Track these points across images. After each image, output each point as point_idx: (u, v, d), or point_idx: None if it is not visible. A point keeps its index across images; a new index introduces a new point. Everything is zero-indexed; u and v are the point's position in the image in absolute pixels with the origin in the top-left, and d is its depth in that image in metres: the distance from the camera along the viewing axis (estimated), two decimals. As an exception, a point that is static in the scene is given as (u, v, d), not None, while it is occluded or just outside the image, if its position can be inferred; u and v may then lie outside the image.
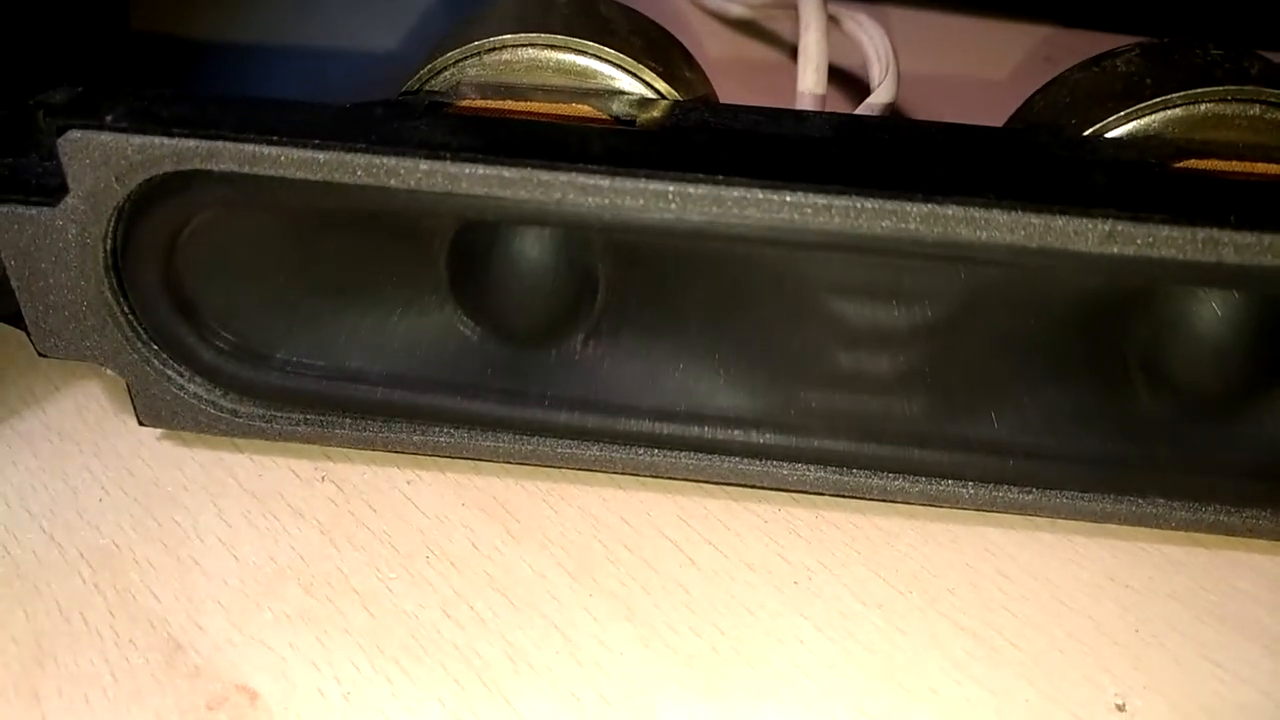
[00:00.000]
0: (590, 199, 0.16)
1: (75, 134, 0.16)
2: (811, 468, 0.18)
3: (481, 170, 0.15)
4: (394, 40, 0.33)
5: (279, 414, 0.18)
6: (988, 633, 0.17)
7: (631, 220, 0.16)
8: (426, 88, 0.19)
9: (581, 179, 0.15)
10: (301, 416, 0.18)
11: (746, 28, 0.35)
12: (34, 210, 0.16)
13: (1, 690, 0.16)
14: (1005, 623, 0.17)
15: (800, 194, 0.15)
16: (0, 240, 0.16)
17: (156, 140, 0.16)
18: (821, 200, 0.15)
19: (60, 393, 0.20)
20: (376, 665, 0.16)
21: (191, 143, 0.16)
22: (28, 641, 0.16)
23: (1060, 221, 0.15)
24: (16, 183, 0.16)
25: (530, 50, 0.19)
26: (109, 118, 0.16)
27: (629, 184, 0.15)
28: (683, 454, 0.18)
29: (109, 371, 0.18)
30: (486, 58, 0.19)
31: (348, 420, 0.18)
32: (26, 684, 0.16)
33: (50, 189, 0.16)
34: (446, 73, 0.19)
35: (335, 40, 0.34)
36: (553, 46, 0.19)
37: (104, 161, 0.16)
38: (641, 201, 0.15)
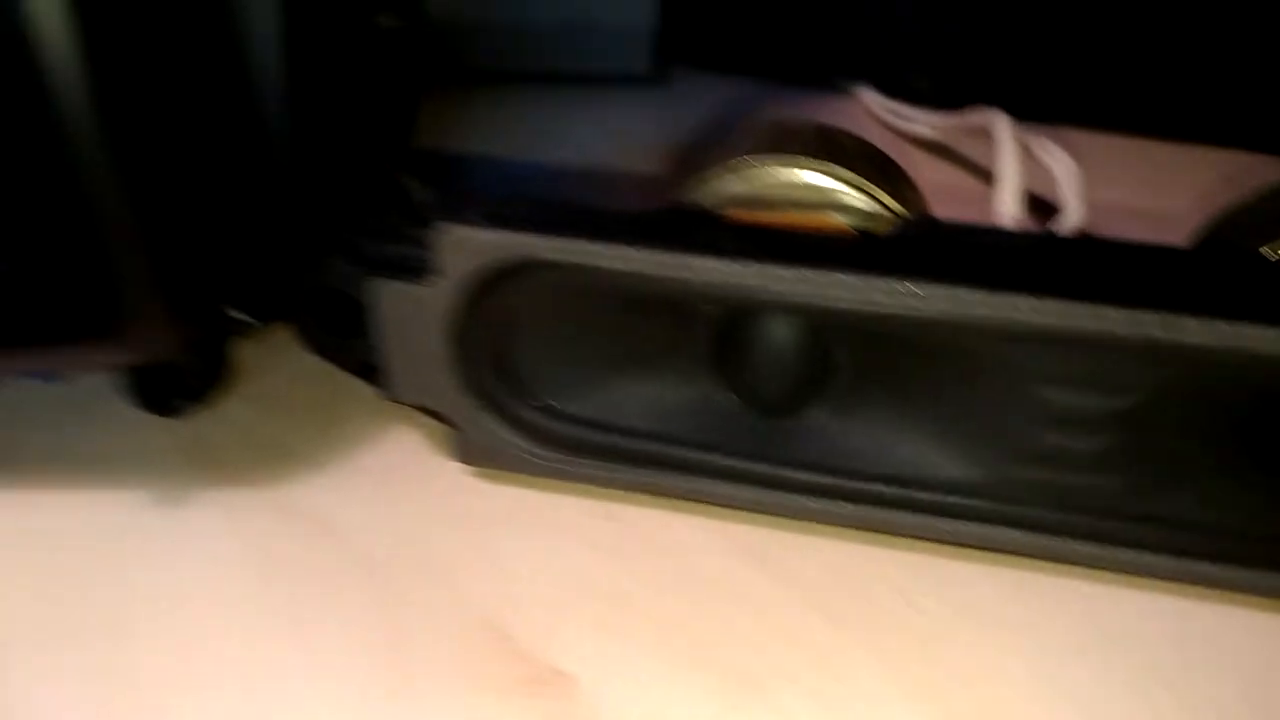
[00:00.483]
0: (847, 294, 0.19)
1: (446, 227, 0.20)
2: (1019, 532, 0.20)
3: (760, 268, 0.19)
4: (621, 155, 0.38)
5: (573, 458, 0.22)
6: (1188, 694, 0.19)
7: (879, 314, 0.19)
8: (693, 197, 0.23)
9: (840, 277, 0.19)
10: (590, 462, 0.22)
11: (933, 148, 0.38)
12: (411, 287, 0.20)
13: (369, 669, 0.19)
14: (1200, 686, 0.19)
15: (1020, 297, 0.18)
16: (381, 307, 0.21)
17: (508, 235, 0.20)
18: (1039, 303, 0.18)
19: (388, 435, 0.24)
20: (662, 661, 0.19)
21: (534, 238, 0.20)
22: (385, 634, 0.20)
23: (1245, 329, 0.17)
24: (393, 265, 0.21)
25: (781, 170, 0.23)
26: (469, 215, 0.20)
27: (879, 283, 0.19)
28: (906, 513, 0.21)
29: (433, 419, 0.22)
30: (745, 174, 0.23)
31: (626, 467, 0.22)
32: (388, 668, 0.19)
33: (412, 269, 0.20)
34: (710, 185, 0.23)
35: (566, 154, 0.39)
36: (799, 167, 0.23)
37: (465, 249, 0.20)
38: (889, 299, 0.19)
